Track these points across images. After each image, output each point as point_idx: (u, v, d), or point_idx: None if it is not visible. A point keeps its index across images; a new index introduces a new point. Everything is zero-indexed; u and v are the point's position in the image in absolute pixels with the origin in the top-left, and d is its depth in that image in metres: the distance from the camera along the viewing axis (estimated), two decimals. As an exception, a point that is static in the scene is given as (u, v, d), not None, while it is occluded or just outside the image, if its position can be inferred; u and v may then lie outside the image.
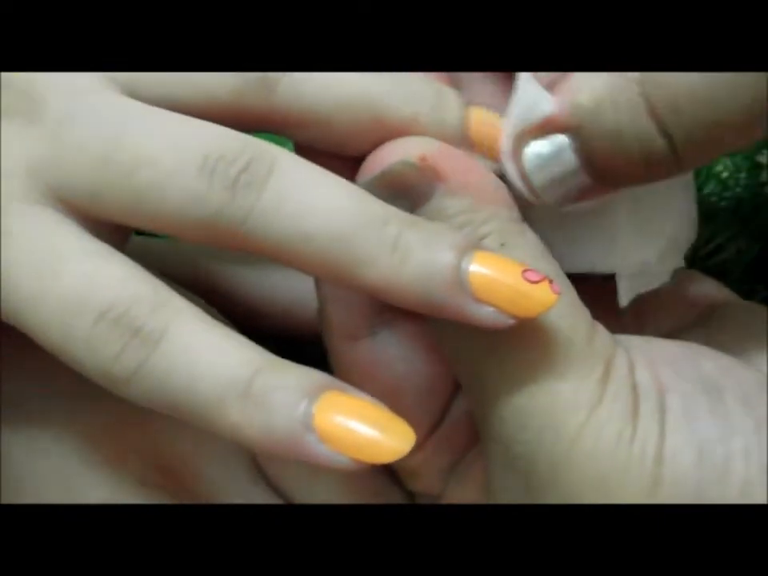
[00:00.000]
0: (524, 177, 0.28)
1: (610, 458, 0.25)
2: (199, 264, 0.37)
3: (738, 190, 0.41)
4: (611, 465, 0.25)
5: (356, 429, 0.24)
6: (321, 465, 0.24)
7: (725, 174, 0.42)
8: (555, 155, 0.27)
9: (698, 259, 0.40)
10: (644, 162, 0.26)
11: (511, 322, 0.25)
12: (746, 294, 0.32)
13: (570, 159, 0.27)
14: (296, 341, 0.38)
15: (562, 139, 0.27)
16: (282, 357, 0.25)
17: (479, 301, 0.25)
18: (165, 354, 0.25)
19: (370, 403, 0.25)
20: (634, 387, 0.26)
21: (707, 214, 0.41)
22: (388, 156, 0.27)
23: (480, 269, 0.25)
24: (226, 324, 0.34)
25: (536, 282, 0.25)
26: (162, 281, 0.28)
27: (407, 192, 0.27)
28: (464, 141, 0.28)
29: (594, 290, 0.32)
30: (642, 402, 0.25)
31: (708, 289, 0.32)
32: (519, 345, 0.26)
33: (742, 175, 0.42)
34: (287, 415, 0.24)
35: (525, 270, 0.25)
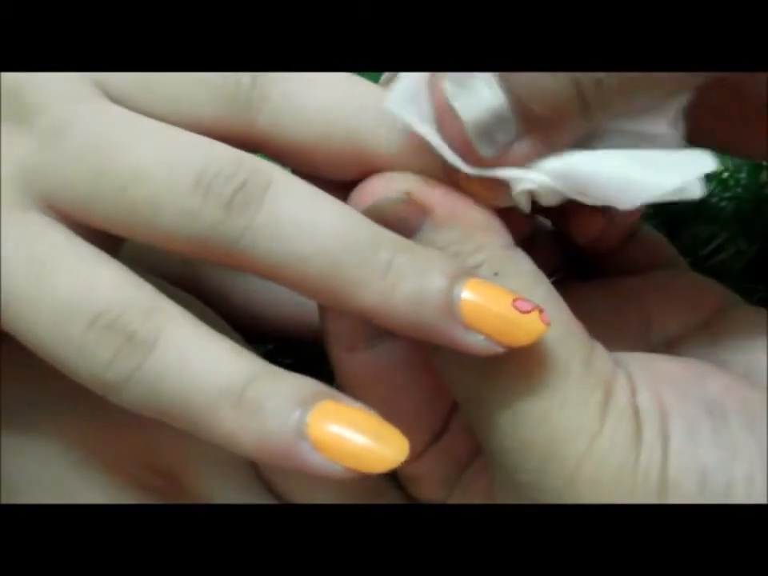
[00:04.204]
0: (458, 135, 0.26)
1: (612, 486, 0.25)
2: (200, 266, 0.37)
3: (738, 190, 0.41)
4: (614, 493, 0.25)
5: (350, 438, 0.24)
6: (314, 473, 0.24)
7: (725, 174, 0.42)
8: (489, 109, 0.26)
9: (698, 259, 0.40)
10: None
11: (500, 350, 0.25)
12: (746, 293, 0.31)
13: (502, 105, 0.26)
14: (298, 342, 0.38)
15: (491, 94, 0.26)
16: (284, 358, 0.25)
17: (469, 328, 0.25)
18: (158, 360, 0.25)
19: (365, 412, 0.24)
20: (636, 412, 0.25)
21: (707, 214, 0.41)
22: (373, 192, 0.27)
23: (471, 296, 0.25)
24: (225, 326, 0.34)
25: (526, 312, 0.25)
26: (161, 283, 0.28)
27: (395, 227, 0.26)
28: (448, 176, 0.27)
29: (602, 295, 0.32)
30: (645, 428, 0.25)
31: (713, 292, 0.32)
32: (515, 374, 0.25)
33: (742, 175, 0.42)
34: (281, 423, 0.24)
35: (515, 300, 0.25)
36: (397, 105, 0.27)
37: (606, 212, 0.30)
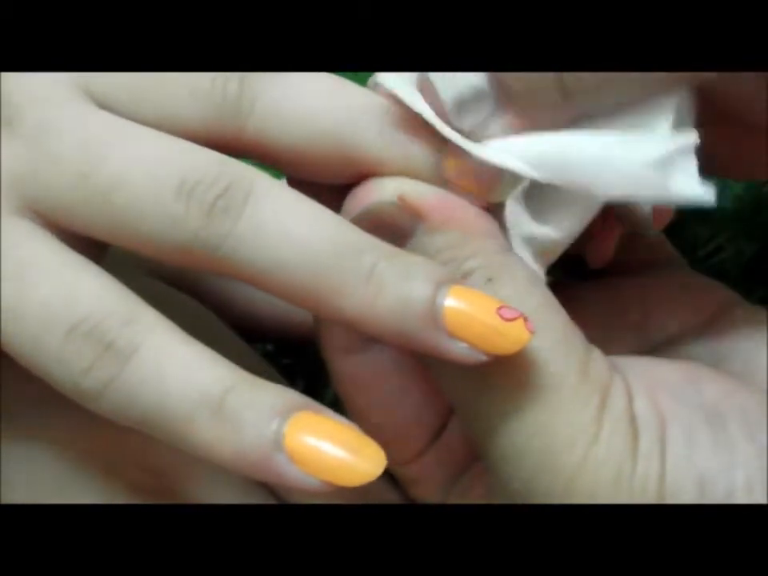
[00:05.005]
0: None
1: (609, 496, 0.24)
2: None
3: (738, 190, 0.41)
4: (611, 502, 0.24)
5: (327, 450, 0.24)
6: (291, 486, 0.24)
7: (725, 174, 0.41)
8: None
9: (698, 259, 0.40)
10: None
11: (484, 358, 0.24)
12: (745, 293, 0.31)
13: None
14: (298, 342, 0.38)
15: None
16: (284, 358, 0.25)
17: (453, 336, 0.24)
18: (136, 370, 0.24)
19: (342, 425, 0.24)
20: (633, 419, 0.25)
21: (707, 213, 0.40)
22: (366, 196, 0.27)
23: (455, 303, 0.24)
24: (223, 327, 0.35)
25: (510, 320, 0.24)
26: (158, 284, 0.28)
27: (388, 232, 0.26)
28: (440, 180, 0.27)
29: (601, 295, 0.31)
30: (642, 435, 0.25)
31: (713, 291, 0.31)
32: (508, 382, 0.25)
33: (742, 175, 0.41)
34: (258, 434, 0.24)
35: (500, 307, 0.24)
36: (388, 79, 0.27)
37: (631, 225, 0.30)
